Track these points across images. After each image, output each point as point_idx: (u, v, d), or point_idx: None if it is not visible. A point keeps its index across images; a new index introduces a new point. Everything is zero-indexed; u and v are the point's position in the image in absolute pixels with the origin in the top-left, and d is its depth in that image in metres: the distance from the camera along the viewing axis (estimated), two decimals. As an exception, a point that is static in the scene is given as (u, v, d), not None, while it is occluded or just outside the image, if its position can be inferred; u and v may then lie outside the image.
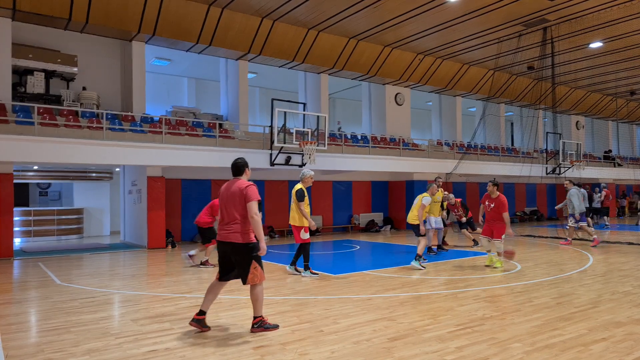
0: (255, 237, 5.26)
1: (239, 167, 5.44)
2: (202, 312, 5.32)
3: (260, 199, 5.38)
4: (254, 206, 5.18)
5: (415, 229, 9.96)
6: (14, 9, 12.62)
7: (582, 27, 16.84)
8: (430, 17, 15.77)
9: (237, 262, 5.25)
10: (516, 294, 7.00)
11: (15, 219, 14.50)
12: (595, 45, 18.78)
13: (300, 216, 8.59)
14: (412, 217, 10.01)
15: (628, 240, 14.47)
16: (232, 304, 6.61)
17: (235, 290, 7.57)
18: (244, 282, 5.23)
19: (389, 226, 19.94)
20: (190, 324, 5.32)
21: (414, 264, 9.52)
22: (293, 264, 9.10)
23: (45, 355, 4.56)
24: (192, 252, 10.40)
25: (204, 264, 10.19)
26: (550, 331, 5.14)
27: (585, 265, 9.78)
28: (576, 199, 13.33)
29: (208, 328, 5.36)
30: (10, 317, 6.06)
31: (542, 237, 16.22)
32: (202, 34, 15.25)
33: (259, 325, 5.31)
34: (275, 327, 5.41)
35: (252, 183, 5.34)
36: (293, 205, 8.64)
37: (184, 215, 16.00)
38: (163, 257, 12.05)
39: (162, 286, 8.03)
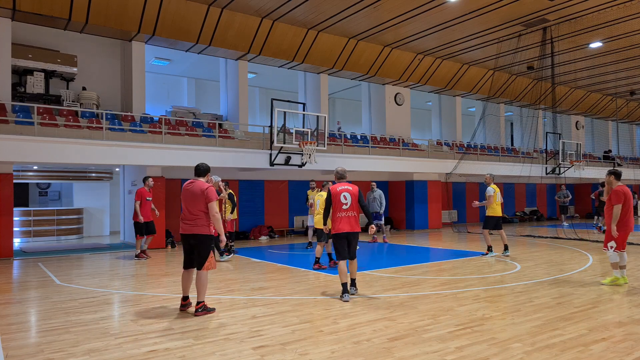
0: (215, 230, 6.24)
1: (201, 171, 6.31)
2: (184, 298, 6.26)
3: (218, 198, 6.31)
4: (215, 205, 6.09)
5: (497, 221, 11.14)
6: (14, 9, 12.62)
7: (582, 27, 16.84)
8: (430, 17, 15.77)
9: (196, 251, 6.09)
10: (516, 294, 7.00)
11: (15, 219, 14.49)
12: (595, 45, 18.78)
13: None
14: (499, 210, 11.16)
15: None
16: (232, 304, 6.61)
17: (236, 291, 7.58)
18: (200, 269, 6.07)
19: (389, 226, 19.94)
20: (182, 310, 6.23)
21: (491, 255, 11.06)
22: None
23: (45, 355, 4.56)
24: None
25: (140, 255, 11.65)
26: (551, 331, 5.14)
27: (585, 265, 9.78)
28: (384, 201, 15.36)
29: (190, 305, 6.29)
30: (10, 317, 6.06)
31: (542, 237, 16.22)
32: (201, 34, 15.25)
33: (203, 309, 6.05)
34: (213, 309, 6.18)
35: (210, 185, 6.21)
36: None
37: (184, 215, 15.97)
38: (163, 257, 12.04)
39: (162, 286, 8.02)
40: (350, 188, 7.00)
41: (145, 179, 11.90)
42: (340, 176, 7.21)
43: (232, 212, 11.66)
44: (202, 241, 6.07)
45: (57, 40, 14.58)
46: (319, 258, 9.72)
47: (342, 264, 6.90)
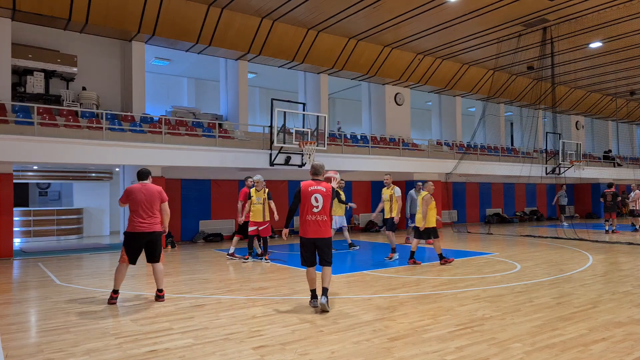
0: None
1: (146, 174, 6.99)
2: (116, 292, 6.76)
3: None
4: (167, 205, 7.00)
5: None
6: (14, 9, 12.62)
7: (582, 27, 16.84)
8: (430, 17, 15.78)
9: (154, 246, 6.84)
10: (516, 294, 6.99)
11: (15, 219, 14.47)
12: (595, 45, 18.78)
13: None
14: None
15: (628, 240, 14.48)
16: (232, 304, 6.61)
17: (236, 291, 7.58)
18: (158, 261, 6.89)
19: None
20: (111, 302, 6.69)
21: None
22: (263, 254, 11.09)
23: (45, 355, 4.56)
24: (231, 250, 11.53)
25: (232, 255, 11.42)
26: (551, 331, 5.14)
27: (585, 265, 9.78)
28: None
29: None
30: (10, 317, 6.06)
31: (542, 237, 16.22)
32: (201, 34, 15.25)
33: (162, 296, 6.91)
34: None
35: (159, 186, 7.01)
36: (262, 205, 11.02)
37: (184, 215, 15.98)
38: (163, 257, 12.02)
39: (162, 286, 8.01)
40: (324, 189, 6.27)
41: (246, 179, 11.52)
42: (315, 172, 6.40)
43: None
44: (159, 237, 6.89)
45: (57, 40, 14.58)
46: (414, 252, 10.11)
47: (309, 270, 6.32)
